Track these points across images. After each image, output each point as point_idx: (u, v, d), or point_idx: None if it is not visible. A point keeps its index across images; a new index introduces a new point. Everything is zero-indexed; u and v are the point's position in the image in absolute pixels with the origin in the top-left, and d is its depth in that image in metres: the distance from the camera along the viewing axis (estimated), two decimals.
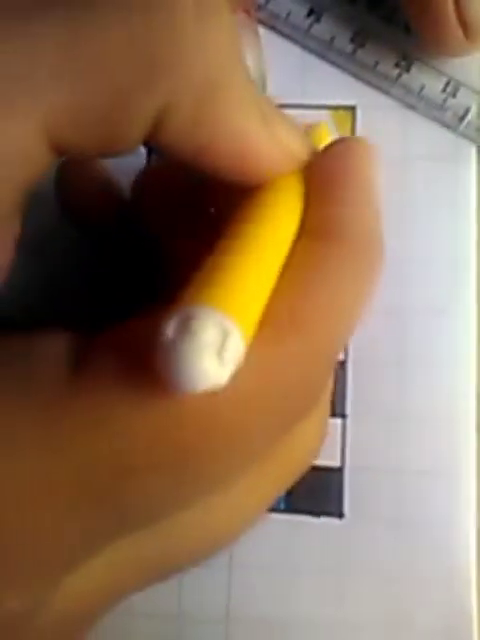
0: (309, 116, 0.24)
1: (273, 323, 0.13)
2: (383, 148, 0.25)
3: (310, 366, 0.13)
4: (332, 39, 0.23)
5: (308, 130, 0.18)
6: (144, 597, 0.24)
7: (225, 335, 0.11)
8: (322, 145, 0.17)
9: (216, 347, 0.11)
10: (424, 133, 0.24)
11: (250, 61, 0.23)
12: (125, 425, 0.12)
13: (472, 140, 0.23)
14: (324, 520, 0.24)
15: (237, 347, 0.11)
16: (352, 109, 0.24)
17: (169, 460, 0.12)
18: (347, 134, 0.24)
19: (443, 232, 0.24)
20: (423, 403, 0.23)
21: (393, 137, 0.24)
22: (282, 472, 0.16)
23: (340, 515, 0.24)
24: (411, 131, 0.24)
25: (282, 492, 0.17)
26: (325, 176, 0.15)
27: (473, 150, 0.24)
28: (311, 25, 0.23)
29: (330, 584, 0.23)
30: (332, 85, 0.24)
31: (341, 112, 0.24)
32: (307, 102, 0.24)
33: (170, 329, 0.11)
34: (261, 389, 0.13)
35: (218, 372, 0.11)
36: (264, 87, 0.24)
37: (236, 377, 0.11)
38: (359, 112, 0.24)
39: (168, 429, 0.12)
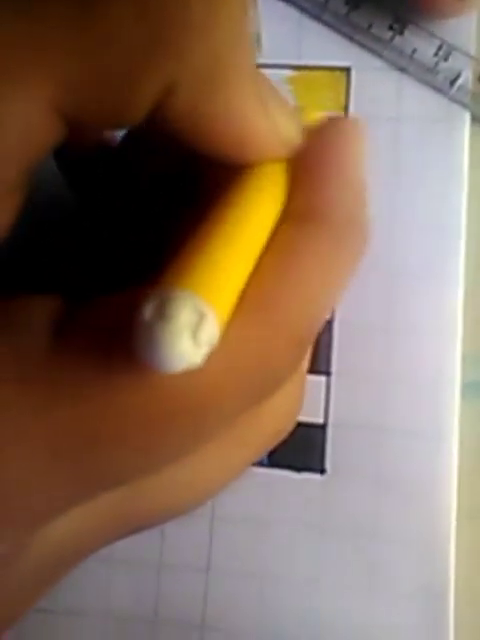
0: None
1: (245, 305, 0.13)
2: (377, 109, 0.25)
3: (278, 347, 0.14)
4: (327, 0, 0.24)
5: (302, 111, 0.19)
6: (126, 546, 0.24)
7: (201, 318, 0.11)
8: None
9: (191, 329, 0.11)
10: (418, 95, 0.24)
11: None
12: (97, 399, 0.12)
13: (463, 104, 0.24)
14: (305, 475, 0.24)
15: (212, 330, 0.12)
16: (347, 70, 0.25)
17: (137, 434, 0.13)
18: (341, 95, 0.25)
19: (434, 195, 0.24)
20: (408, 364, 0.24)
21: (387, 98, 0.24)
22: (257, 437, 0.17)
23: (321, 471, 0.24)
24: (405, 93, 0.24)
25: (260, 456, 0.17)
26: (311, 158, 0.15)
27: (466, 112, 0.24)
28: None
29: (309, 539, 0.24)
30: (328, 47, 0.25)
31: (336, 73, 0.25)
32: (302, 62, 0.25)
33: (147, 311, 0.11)
34: (230, 368, 0.13)
35: (193, 354, 0.11)
36: (259, 46, 0.24)
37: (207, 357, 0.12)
38: (354, 73, 0.24)
39: (138, 405, 0.12)
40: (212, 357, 0.12)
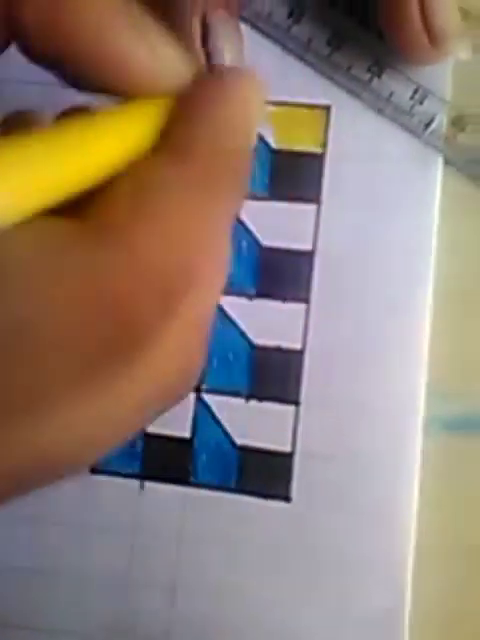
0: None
1: (95, 227, 0.13)
2: (355, 147, 0.26)
3: (136, 290, 0.13)
4: (310, 40, 0.24)
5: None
6: (94, 563, 0.25)
7: None
8: None
9: None
10: (394, 135, 0.25)
11: (229, 56, 0.23)
12: None
13: (435, 148, 0.24)
14: (272, 503, 0.24)
15: None
16: (327, 108, 0.25)
17: None
18: (320, 132, 0.25)
19: (405, 232, 0.25)
20: (374, 395, 0.24)
21: (365, 137, 0.25)
22: (139, 391, 0.15)
23: (287, 499, 0.24)
24: (382, 133, 0.25)
25: (151, 410, 0.16)
26: (197, 97, 0.15)
27: (439, 154, 0.25)
28: (291, 26, 0.24)
29: (273, 564, 0.24)
30: (309, 85, 0.25)
31: (316, 110, 0.25)
32: (284, 99, 0.25)
33: None
34: (82, 311, 0.12)
35: None
36: None
37: (50, 278, 0.12)
38: (333, 111, 0.25)
39: None
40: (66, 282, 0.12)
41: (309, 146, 0.25)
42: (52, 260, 0.12)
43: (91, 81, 0.15)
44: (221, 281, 0.17)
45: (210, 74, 0.16)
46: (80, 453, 0.15)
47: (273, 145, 0.26)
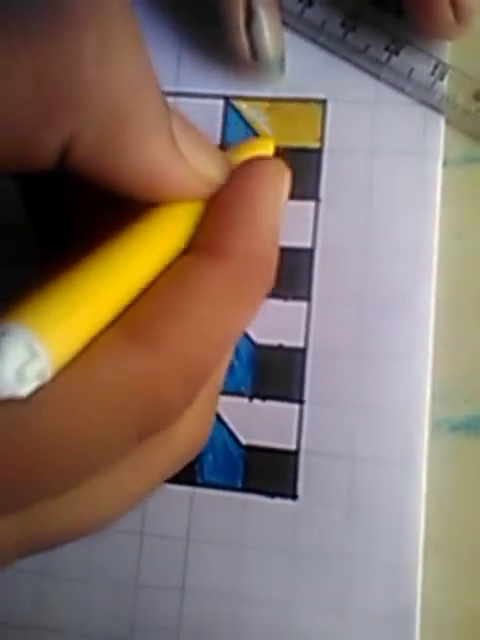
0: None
1: (131, 336, 0.14)
2: (352, 141, 0.25)
3: (166, 382, 0.14)
4: (323, 23, 0.24)
5: (250, 143, 0.19)
6: (103, 566, 0.25)
7: (32, 355, 0.12)
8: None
9: (19, 364, 0.12)
10: (392, 128, 0.24)
11: (270, 42, 0.23)
12: None
13: (458, 124, 0.24)
14: (278, 501, 0.25)
15: (41, 367, 0.13)
16: (323, 102, 0.25)
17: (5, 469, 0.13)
18: (317, 127, 0.25)
19: (406, 228, 0.24)
20: (379, 393, 0.24)
21: (361, 131, 0.24)
22: (156, 464, 0.17)
23: (294, 497, 0.24)
24: (379, 126, 0.24)
25: (163, 479, 0.18)
26: (224, 196, 0.16)
27: (440, 146, 0.24)
28: (303, 10, 0.24)
29: (281, 563, 0.24)
30: (304, 79, 0.25)
31: (312, 105, 0.25)
32: (279, 95, 0.25)
33: None
34: (113, 400, 0.13)
35: (15, 388, 0.12)
36: (282, 69, 0.24)
37: (81, 383, 0.13)
38: (329, 105, 0.25)
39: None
40: (96, 375, 0.13)
41: (306, 142, 0.25)
42: (89, 372, 0.13)
43: (124, 192, 0.16)
44: (228, 361, 0.19)
45: (242, 172, 0.17)
46: (97, 524, 0.17)
47: None
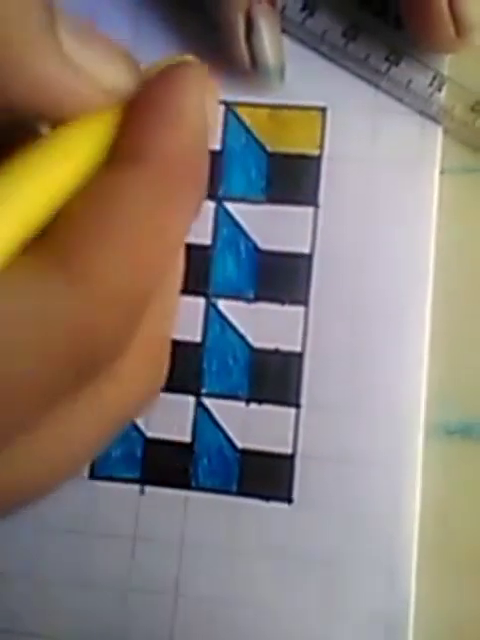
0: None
1: (44, 257, 0.12)
2: (351, 149, 0.26)
3: (92, 308, 0.13)
4: (324, 33, 0.24)
5: (169, 59, 0.17)
6: (94, 570, 0.25)
7: None
8: None
9: None
10: (391, 136, 0.25)
11: (270, 51, 0.23)
12: None
13: (456, 135, 0.24)
14: (273, 504, 0.25)
15: None
16: (323, 110, 0.25)
17: None
18: (317, 134, 0.25)
19: (403, 235, 0.24)
20: (374, 398, 0.24)
21: (361, 139, 0.25)
22: (106, 409, 0.15)
23: (289, 500, 0.25)
24: (378, 135, 0.25)
25: (120, 422, 0.16)
26: (142, 103, 0.15)
27: (437, 155, 0.25)
28: (305, 19, 0.24)
29: (275, 567, 0.24)
30: (304, 86, 0.25)
31: (311, 112, 0.25)
32: (279, 102, 0.25)
33: None
34: (33, 337, 0.12)
35: None
36: (282, 76, 0.24)
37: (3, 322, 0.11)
38: (329, 113, 0.25)
39: None
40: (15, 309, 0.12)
41: (305, 148, 0.25)
42: (4, 303, 0.12)
43: (13, 112, 0.14)
44: (176, 297, 0.17)
45: (154, 75, 0.15)
46: (43, 481, 0.15)
47: (269, 148, 0.25)
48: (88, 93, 0.15)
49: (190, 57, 0.19)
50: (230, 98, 0.25)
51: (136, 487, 0.25)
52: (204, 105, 0.15)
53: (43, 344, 0.12)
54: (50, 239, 0.13)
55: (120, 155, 0.14)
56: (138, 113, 0.15)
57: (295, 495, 0.24)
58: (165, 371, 0.17)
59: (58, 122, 0.14)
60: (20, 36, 0.14)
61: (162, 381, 0.17)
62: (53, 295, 0.12)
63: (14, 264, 0.12)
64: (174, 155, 0.14)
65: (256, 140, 0.25)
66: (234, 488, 0.25)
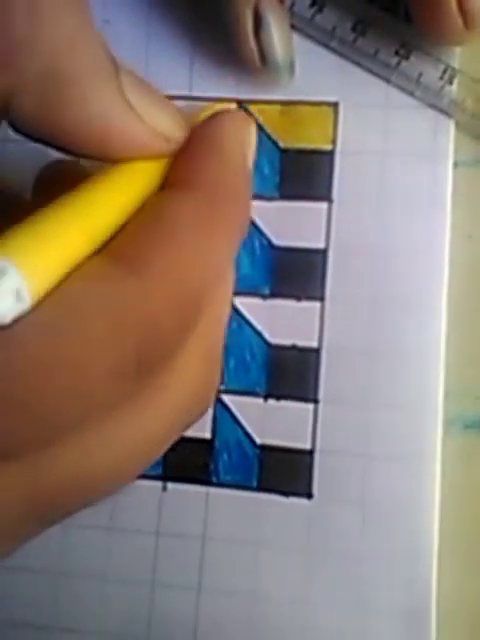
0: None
1: (112, 259, 0.14)
2: (364, 143, 0.26)
3: (158, 310, 0.14)
4: (334, 29, 0.24)
5: (210, 106, 0.19)
6: (120, 565, 0.25)
7: (2, 273, 0.13)
8: None
9: None
10: (404, 130, 0.25)
11: (278, 47, 0.23)
12: None
13: (468, 128, 0.24)
14: (293, 500, 0.25)
15: (12, 281, 0.13)
16: (335, 105, 0.25)
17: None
18: (329, 129, 0.25)
19: (418, 228, 0.24)
20: (392, 392, 0.24)
21: (374, 133, 0.25)
22: (166, 407, 0.16)
23: (309, 496, 0.25)
24: (390, 128, 0.25)
25: (175, 430, 0.17)
26: (190, 142, 0.17)
27: (450, 148, 0.24)
28: (314, 15, 0.24)
29: (296, 562, 0.24)
30: (316, 82, 0.25)
31: (324, 108, 0.25)
32: (291, 98, 0.25)
33: None
34: (111, 329, 0.13)
35: None
36: (293, 71, 0.24)
37: (77, 312, 0.13)
38: (341, 108, 0.25)
39: None
40: (87, 310, 0.13)
41: (318, 144, 0.25)
42: (78, 296, 0.13)
43: (78, 151, 0.16)
44: (228, 306, 0.18)
45: (207, 123, 0.18)
46: (117, 472, 0.16)
47: (282, 144, 0.25)
48: (149, 140, 0.16)
49: (233, 105, 0.24)
50: (242, 96, 0.26)
51: (159, 484, 0.25)
52: (244, 144, 0.18)
53: (114, 332, 0.13)
54: (117, 246, 0.15)
55: (172, 182, 0.16)
56: (188, 150, 0.17)
57: (315, 490, 0.25)
58: (215, 387, 0.18)
59: (118, 160, 0.16)
60: (84, 74, 0.15)
61: (216, 385, 0.19)
62: (120, 288, 0.14)
63: (87, 264, 0.14)
64: (216, 182, 0.16)
65: (268, 137, 0.25)
66: (254, 483, 0.25)
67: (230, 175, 0.17)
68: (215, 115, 0.18)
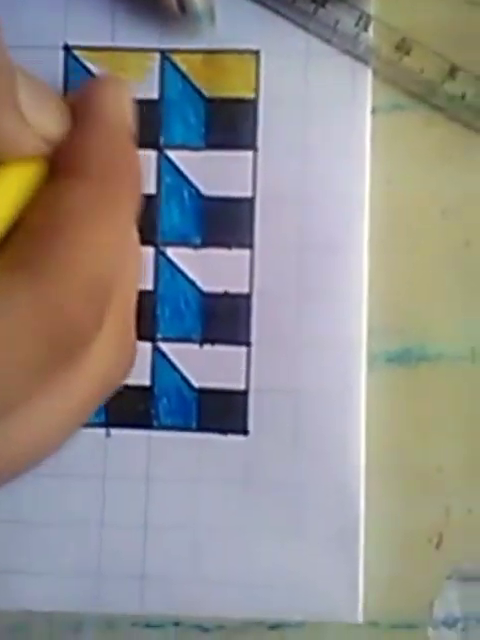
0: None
1: (12, 272, 0.14)
2: (285, 91, 0.26)
3: (67, 303, 0.15)
4: None
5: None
6: (68, 508, 0.26)
7: None
8: None
9: None
10: (323, 78, 0.25)
11: None
12: None
13: (384, 74, 0.25)
14: (230, 437, 0.26)
15: None
16: (256, 53, 0.26)
17: None
18: (252, 78, 0.26)
19: (339, 174, 0.25)
20: (319, 332, 0.26)
21: (294, 81, 0.25)
22: (81, 389, 0.17)
23: (245, 432, 0.26)
24: (310, 76, 0.25)
25: (90, 405, 0.18)
26: (74, 120, 0.17)
27: (368, 95, 0.25)
28: None
29: (235, 494, 0.26)
30: (238, 31, 0.25)
31: (245, 56, 0.26)
32: (212, 46, 0.25)
33: None
34: (24, 327, 0.14)
35: None
36: (213, 19, 0.25)
37: None
38: (262, 56, 0.25)
39: None
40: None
41: (241, 92, 0.25)
42: None
43: None
44: (138, 273, 0.19)
45: (75, 97, 0.17)
46: (38, 448, 0.17)
47: (206, 94, 0.25)
48: (33, 145, 0.16)
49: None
50: (164, 45, 0.26)
51: (102, 430, 0.26)
52: (123, 109, 0.18)
53: (16, 328, 0.14)
54: (12, 251, 0.15)
55: (59, 167, 0.16)
56: (71, 129, 0.17)
57: (250, 427, 0.26)
58: (134, 351, 0.19)
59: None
60: None
61: (132, 361, 0.19)
62: (17, 288, 0.14)
63: None
64: (102, 160, 0.16)
65: (193, 86, 0.26)
66: (194, 425, 0.26)
67: (116, 149, 0.17)
68: (91, 85, 0.18)
